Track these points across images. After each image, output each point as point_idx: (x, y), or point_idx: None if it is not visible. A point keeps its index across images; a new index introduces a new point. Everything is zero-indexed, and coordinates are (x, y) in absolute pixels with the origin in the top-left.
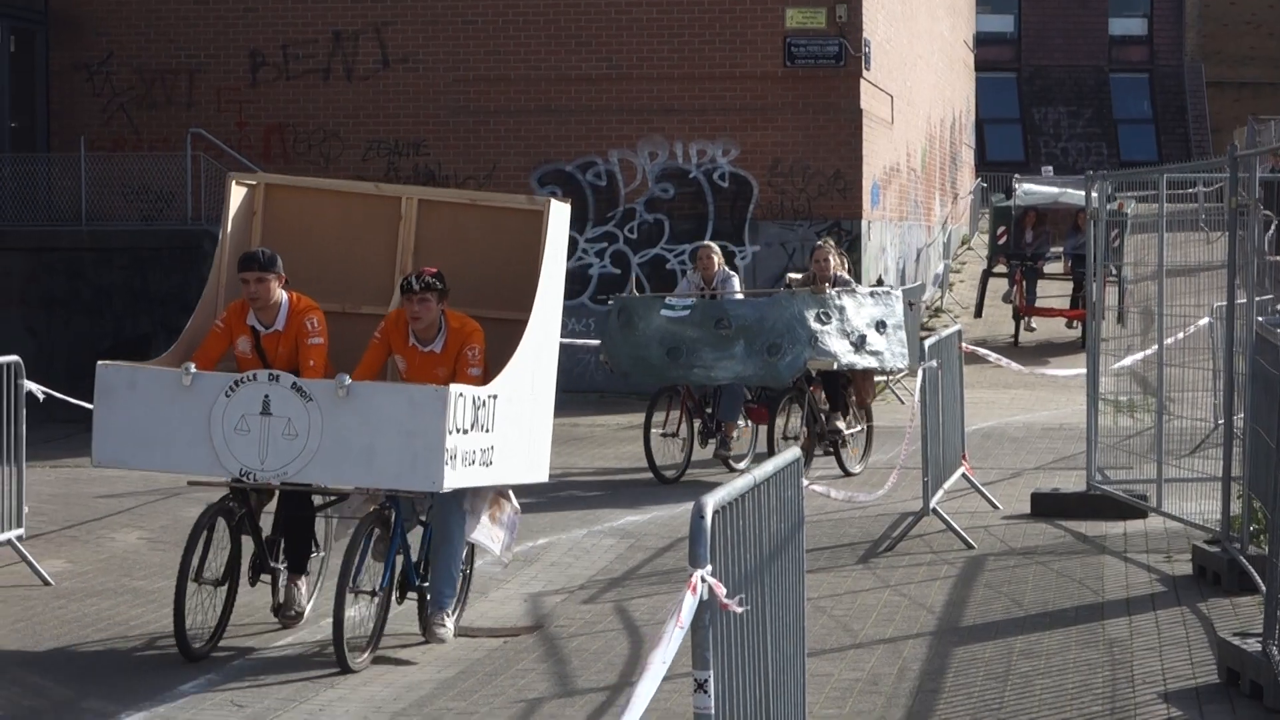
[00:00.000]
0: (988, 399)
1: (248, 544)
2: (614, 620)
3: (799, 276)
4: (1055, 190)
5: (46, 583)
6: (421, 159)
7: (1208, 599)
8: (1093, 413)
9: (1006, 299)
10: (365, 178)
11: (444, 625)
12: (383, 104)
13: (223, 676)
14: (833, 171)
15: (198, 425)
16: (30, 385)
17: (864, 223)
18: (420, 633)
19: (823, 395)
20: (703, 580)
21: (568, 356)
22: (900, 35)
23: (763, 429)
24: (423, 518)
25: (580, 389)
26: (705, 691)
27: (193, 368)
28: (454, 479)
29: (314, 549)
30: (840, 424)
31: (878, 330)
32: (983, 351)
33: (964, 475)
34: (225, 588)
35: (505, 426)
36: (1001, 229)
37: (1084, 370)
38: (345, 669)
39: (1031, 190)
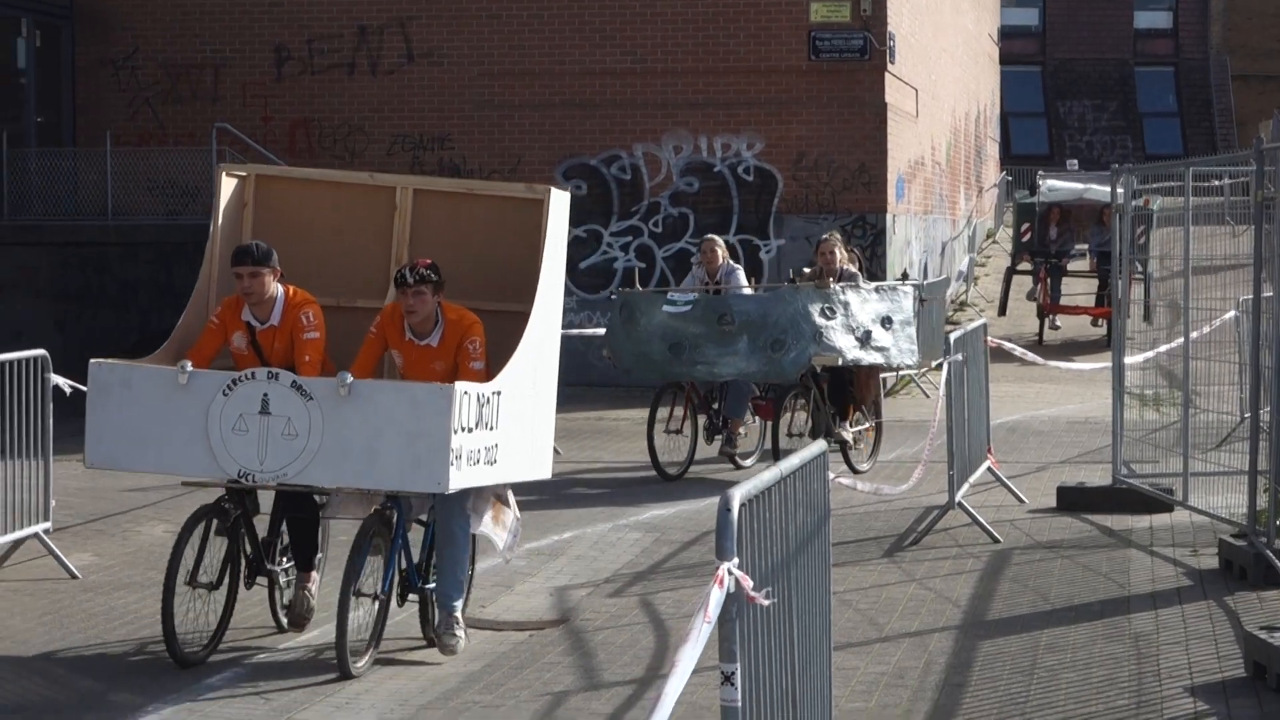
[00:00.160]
0: (1013, 393)
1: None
2: (640, 614)
3: (806, 271)
4: (1079, 186)
5: (73, 576)
6: (446, 153)
7: (1234, 593)
8: (1118, 406)
9: (1031, 297)
10: (390, 172)
11: (455, 635)
12: (407, 98)
13: (248, 671)
14: (857, 165)
15: (194, 425)
16: (57, 379)
17: (889, 216)
18: (423, 636)
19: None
20: (730, 573)
21: (591, 350)
22: (925, 29)
23: (769, 425)
24: (422, 517)
25: (604, 383)
26: (732, 684)
27: (189, 365)
28: (459, 479)
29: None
30: (845, 432)
31: (884, 326)
32: (1008, 345)
33: (989, 469)
34: (223, 592)
35: (509, 424)
36: (1025, 226)
37: (1107, 363)
38: (346, 674)
39: (1055, 187)
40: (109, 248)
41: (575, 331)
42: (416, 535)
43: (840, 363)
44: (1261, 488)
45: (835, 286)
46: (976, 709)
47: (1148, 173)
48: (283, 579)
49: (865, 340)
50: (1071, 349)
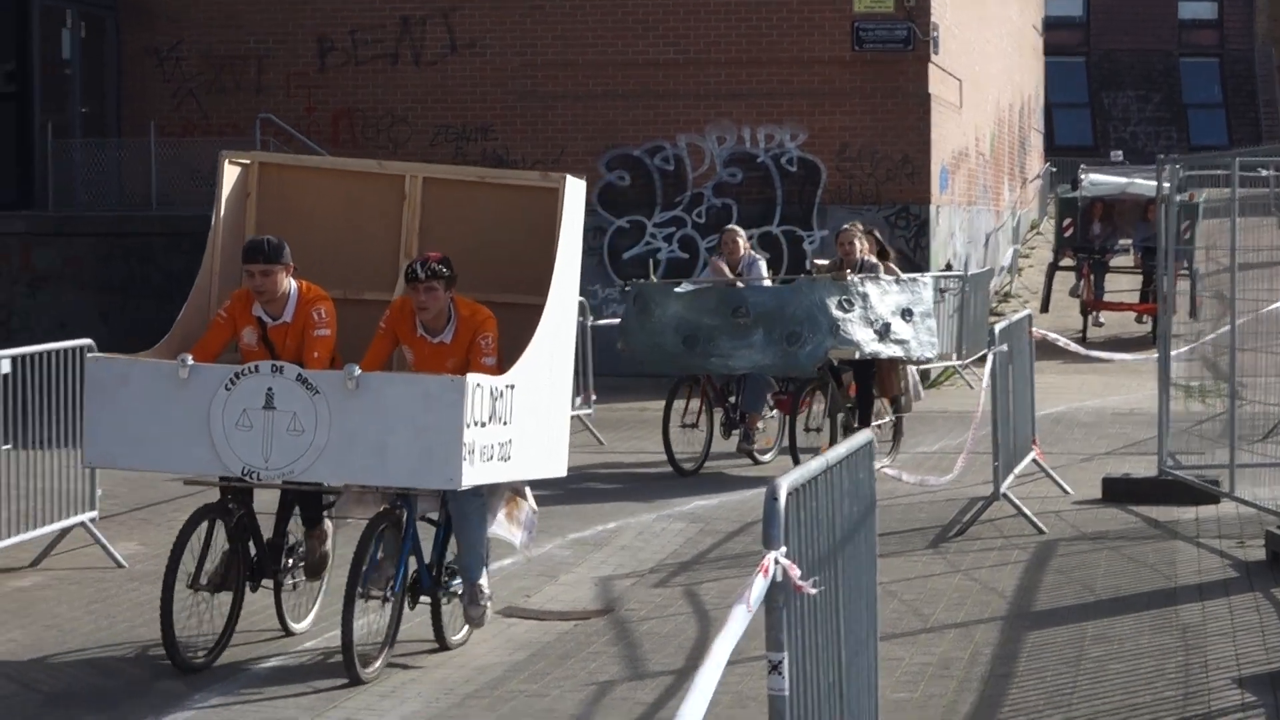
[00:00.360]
0: (1057, 384)
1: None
2: (684, 604)
3: (824, 262)
4: (1123, 181)
5: (119, 565)
6: (489, 144)
7: None
8: (1164, 398)
9: (1074, 293)
10: (434, 162)
11: (479, 605)
12: (450, 89)
13: (295, 659)
14: (901, 156)
15: (196, 421)
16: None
17: (932, 207)
18: (435, 640)
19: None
20: (776, 562)
21: None
22: (969, 19)
23: (788, 419)
24: (432, 515)
25: (646, 374)
26: (779, 673)
27: (189, 359)
28: (472, 475)
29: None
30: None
31: (904, 318)
32: (1052, 336)
33: (1034, 460)
34: (228, 595)
35: (523, 418)
36: (1068, 221)
37: (1152, 353)
38: (355, 680)
39: (1098, 181)
40: (153, 238)
41: (616, 322)
42: (427, 535)
43: (858, 356)
44: None
45: (853, 278)
46: (1022, 700)
47: (1194, 164)
48: (289, 581)
49: (884, 333)
50: (1115, 346)
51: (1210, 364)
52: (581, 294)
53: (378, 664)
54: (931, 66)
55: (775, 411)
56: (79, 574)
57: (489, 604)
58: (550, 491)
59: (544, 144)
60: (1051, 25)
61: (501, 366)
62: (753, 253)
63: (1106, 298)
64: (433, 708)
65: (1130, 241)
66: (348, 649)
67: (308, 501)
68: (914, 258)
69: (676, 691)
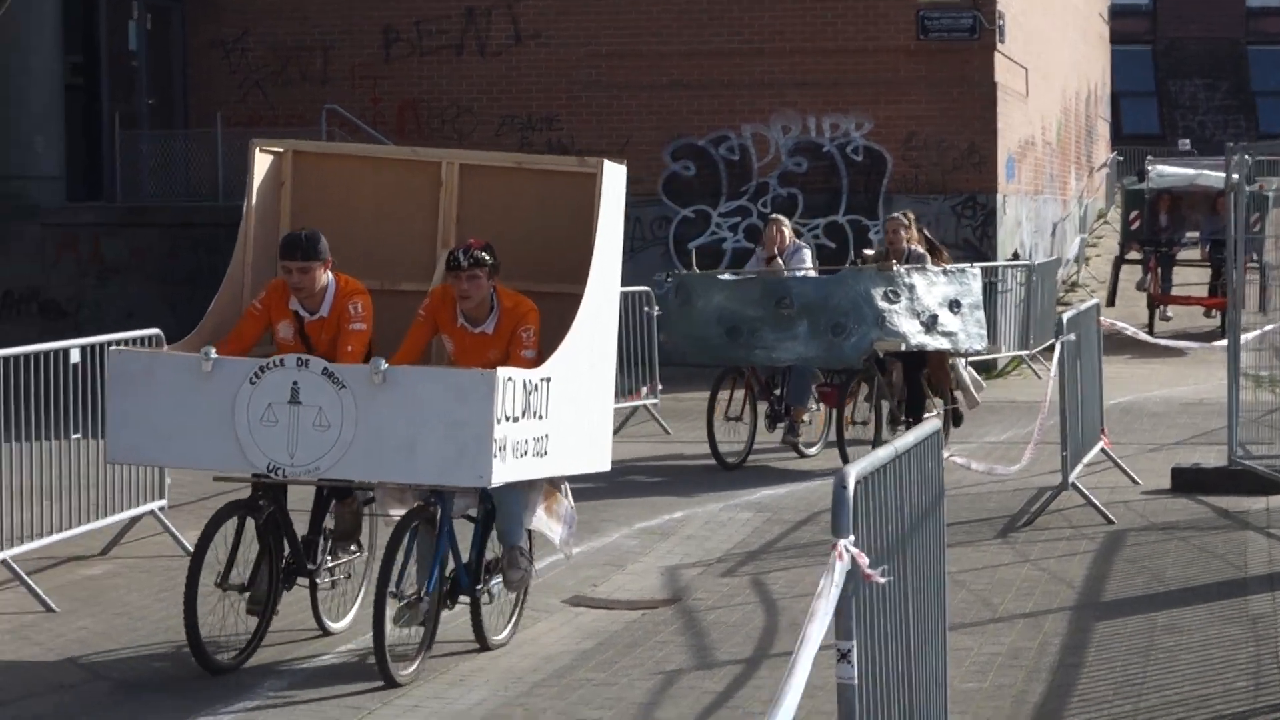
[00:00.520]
0: (1125, 374)
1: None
2: (752, 593)
3: (870, 252)
4: (1191, 172)
5: (188, 553)
6: (554, 134)
7: None
8: (1234, 387)
9: (1140, 287)
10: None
11: (519, 566)
12: (515, 79)
13: (360, 646)
14: (967, 145)
15: (220, 416)
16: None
17: (999, 197)
18: (475, 641)
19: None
20: (846, 550)
21: None
22: (1035, 8)
23: (834, 412)
24: (471, 512)
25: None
26: (849, 661)
27: (213, 352)
28: (503, 472)
29: (358, 549)
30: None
31: (951, 310)
32: (1119, 324)
33: (1103, 450)
34: (259, 595)
35: (561, 412)
36: (1134, 214)
37: (1221, 341)
38: (390, 683)
39: (1165, 173)
40: (220, 229)
41: None
42: (465, 532)
43: (904, 348)
44: None
45: (899, 269)
46: (1091, 690)
47: (1263, 152)
48: (325, 579)
49: (931, 325)
50: (1183, 340)
51: None
52: (646, 284)
53: (414, 666)
54: (998, 55)
55: (820, 404)
56: (148, 562)
57: (528, 565)
58: (616, 481)
59: (609, 134)
60: (1118, 13)
61: (542, 359)
62: (798, 241)
63: (1174, 292)
64: (500, 696)
65: (1198, 234)
66: (379, 650)
67: (340, 492)
68: (980, 247)
69: (745, 681)
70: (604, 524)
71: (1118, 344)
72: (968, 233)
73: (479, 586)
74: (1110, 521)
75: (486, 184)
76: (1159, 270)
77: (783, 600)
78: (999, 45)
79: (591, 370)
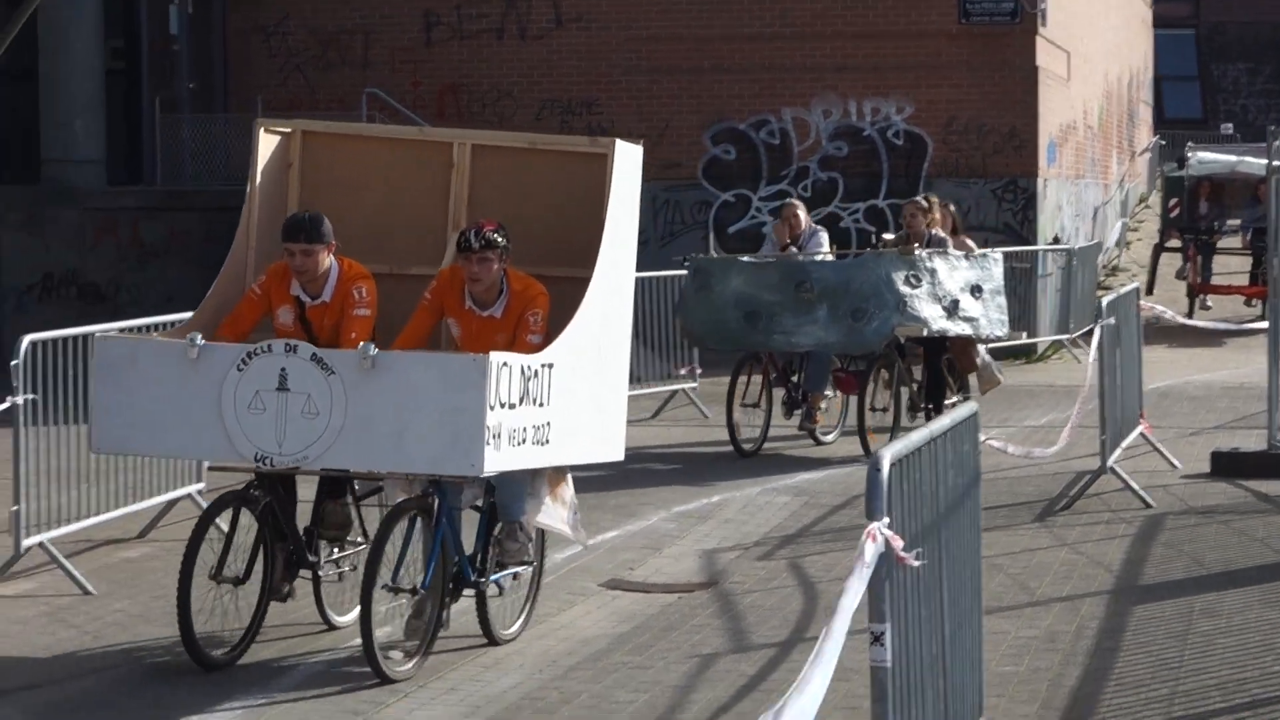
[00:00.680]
0: (1165, 359)
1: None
2: (789, 577)
3: (891, 237)
4: (1233, 159)
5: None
6: (594, 118)
7: None
8: (1274, 371)
9: (1180, 275)
10: None
11: (517, 539)
12: (556, 63)
13: (396, 628)
14: (1008, 129)
15: (207, 404)
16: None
17: (1040, 180)
18: (482, 635)
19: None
20: (880, 533)
21: None
22: None
23: (852, 400)
24: (478, 503)
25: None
26: (881, 644)
27: (199, 338)
28: (496, 461)
29: (363, 540)
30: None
31: (973, 295)
32: (1159, 308)
33: (1142, 434)
34: (255, 587)
35: (564, 400)
36: (1174, 201)
37: (1262, 324)
38: (383, 678)
39: (1206, 159)
40: None
41: None
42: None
43: (925, 333)
44: None
45: (921, 253)
46: (1128, 673)
47: None
48: (331, 572)
49: (953, 310)
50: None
51: None
52: (685, 267)
53: (412, 663)
54: (1039, 39)
55: (836, 391)
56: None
57: (527, 540)
58: (654, 466)
59: (649, 118)
60: None
61: (549, 345)
62: (814, 225)
63: (1214, 280)
64: (536, 679)
65: (1239, 222)
66: (368, 645)
67: (335, 484)
68: (1021, 231)
69: (780, 664)
70: (641, 507)
71: (1157, 330)
72: (1008, 217)
73: (483, 579)
74: (1149, 505)
75: (499, 165)
76: (1198, 259)
77: (820, 584)
78: (1040, 29)
79: (601, 357)
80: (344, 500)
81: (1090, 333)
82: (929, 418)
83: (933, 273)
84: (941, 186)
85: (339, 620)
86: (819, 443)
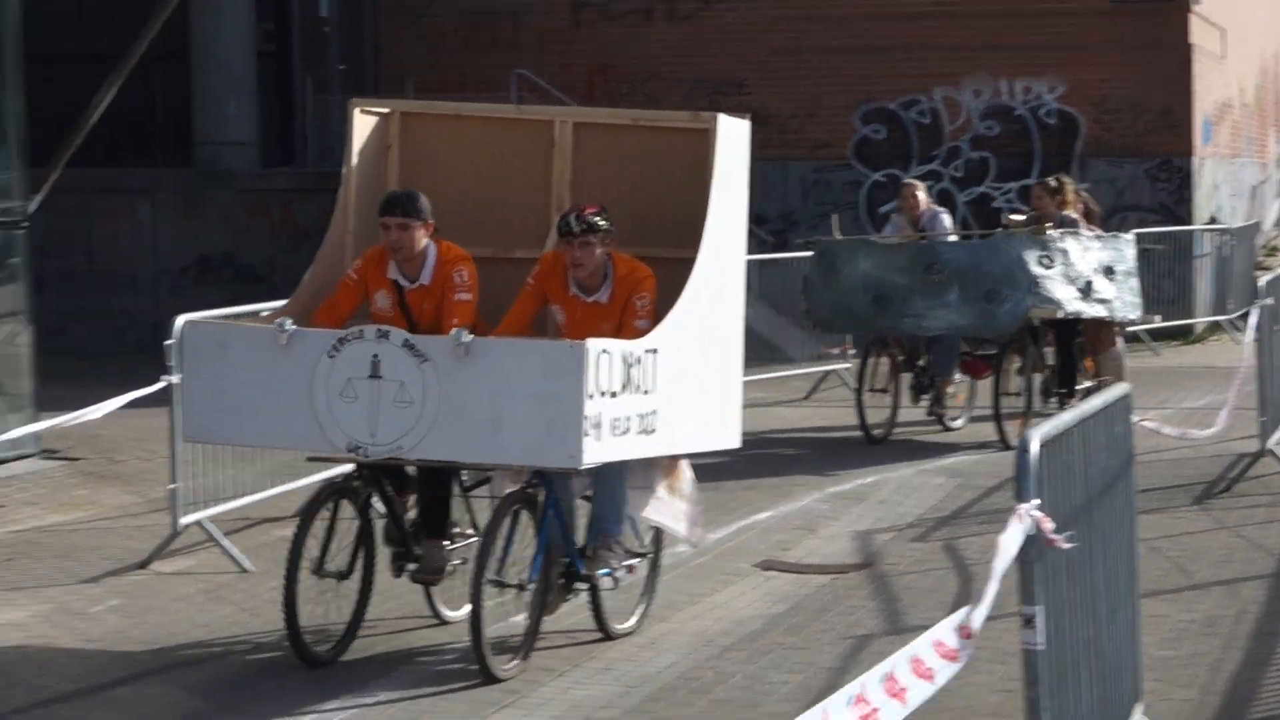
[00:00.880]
0: None
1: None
2: (944, 559)
3: (1020, 217)
4: None
5: (380, 515)
6: (744, 98)
7: None
8: None
9: None
10: None
11: (609, 548)
12: (704, 43)
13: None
14: (1161, 108)
15: (298, 392)
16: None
17: (1195, 160)
18: (597, 628)
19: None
20: (1029, 515)
21: None
22: None
23: (979, 384)
24: (588, 493)
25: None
26: (1033, 627)
27: (289, 324)
28: (597, 452)
29: (474, 532)
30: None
31: (1106, 276)
32: None
33: None
34: (356, 582)
35: (671, 386)
36: None
37: None
38: (489, 677)
39: None
40: None
41: None
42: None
43: (1060, 315)
44: None
45: (1053, 233)
46: None
47: None
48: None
49: (1086, 291)
50: None
51: None
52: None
53: (518, 660)
54: (1192, 16)
55: (965, 376)
56: (342, 524)
57: (618, 564)
58: (806, 450)
59: (798, 98)
60: None
61: None
62: (935, 206)
63: None
64: (691, 659)
65: None
66: (477, 642)
67: (438, 480)
68: (1177, 211)
69: None
70: (795, 488)
71: None
72: (1163, 196)
73: (594, 573)
74: None
75: (603, 143)
76: None
77: (975, 566)
78: (1194, 6)
79: (712, 339)
80: (442, 543)
81: (1247, 314)
82: (1062, 404)
83: (1065, 253)
84: (1095, 166)
85: (450, 615)
86: (948, 429)
